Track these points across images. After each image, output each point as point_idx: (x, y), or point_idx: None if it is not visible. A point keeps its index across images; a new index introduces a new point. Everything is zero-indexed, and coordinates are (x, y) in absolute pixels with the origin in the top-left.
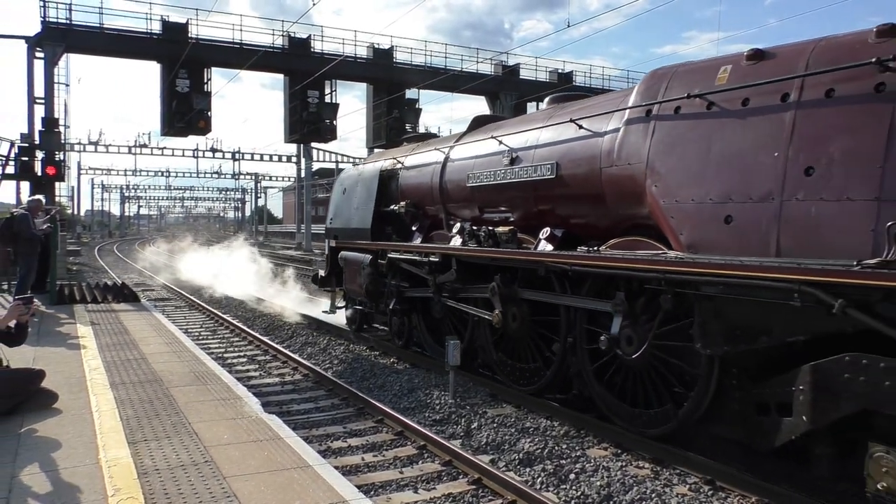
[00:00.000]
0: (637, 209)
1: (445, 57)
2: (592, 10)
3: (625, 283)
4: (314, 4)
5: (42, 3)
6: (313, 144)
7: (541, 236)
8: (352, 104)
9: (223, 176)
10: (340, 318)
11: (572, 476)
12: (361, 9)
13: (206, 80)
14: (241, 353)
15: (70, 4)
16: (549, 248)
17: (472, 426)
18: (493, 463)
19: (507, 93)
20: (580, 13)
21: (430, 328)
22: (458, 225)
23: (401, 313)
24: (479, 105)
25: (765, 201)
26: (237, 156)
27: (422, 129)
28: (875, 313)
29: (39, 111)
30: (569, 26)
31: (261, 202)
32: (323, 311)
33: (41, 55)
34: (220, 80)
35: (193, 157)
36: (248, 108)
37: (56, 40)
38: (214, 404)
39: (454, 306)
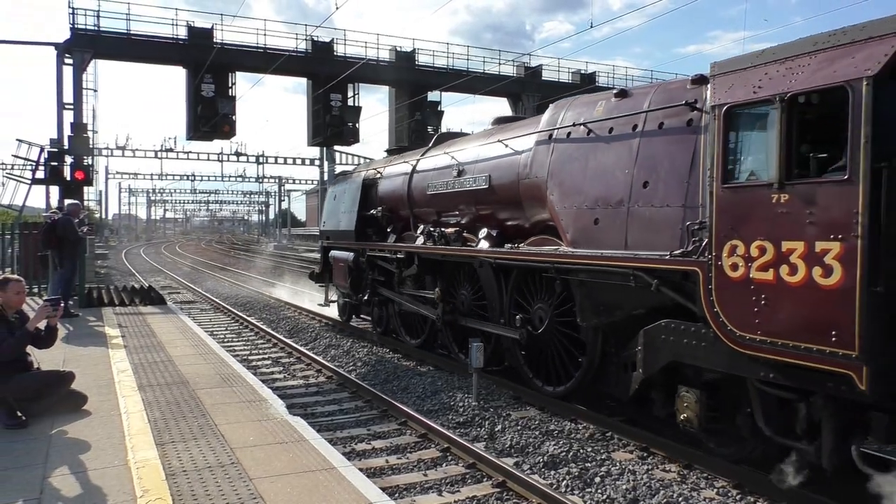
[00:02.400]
0: (543, 213)
1: (468, 59)
2: (615, 10)
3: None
4: (337, 8)
5: (71, 11)
6: (336, 147)
7: (480, 236)
8: (374, 107)
9: (247, 179)
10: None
11: (598, 479)
12: (382, 10)
13: (230, 85)
14: (266, 356)
15: (98, 11)
16: (486, 245)
17: (496, 429)
18: (518, 466)
19: (530, 94)
20: (603, 13)
21: (402, 317)
22: (421, 227)
23: (378, 304)
24: (501, 107)
25: (618, 207)
26: (261, 159)
27: (444, 132)
28: (679, 289)
29: (68, 116)
30: (592, 27)
31: (284, 205)
32: (318, 304)
33: (70, 61)
34: (244, 85)
35: (218, 160)
36: (272, 111)
37: (84, 47)
38: (240, 406)
39: (413, 294)
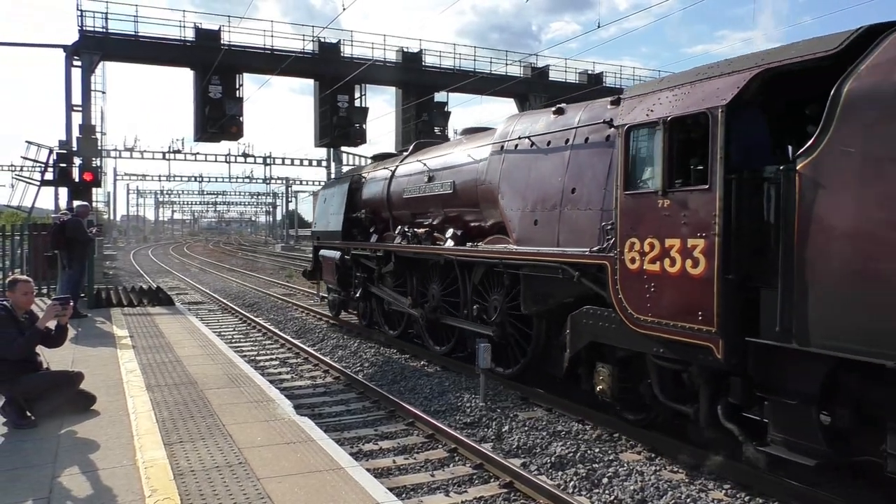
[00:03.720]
0: (496, 216)
1: (474, 59)
2: (622, 10)
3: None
4: (344, 9)
5: (79, 13)
6: (343, 148)
7: (447, 235)
8: (381, 108)
9: (255, 180)
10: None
11: (605, 480)
12: (388, 11)
13: (238, 86)
14: (273, 356)
15: (106, 14)
16: (452, 244)
17: (503, 429)
18: (525, 466)
19: (537, 94)
20: (610, 14)
21: (383, 311)
22: (398, 227)
23: (363, 299)
24: (508, 107)
25: (553, 210)
26: (268, 160)
27: (450, 132)
28: (596, 280)
29: (77, 118)
30: (599, 27)
31: (291, 206)
32: (312, 302)
33: (78, 63)
34: (251, 86)
35: (226, 162)
36: (279, 113)
37: (93, 49)
38: (248, 406)
39: (390, 292)
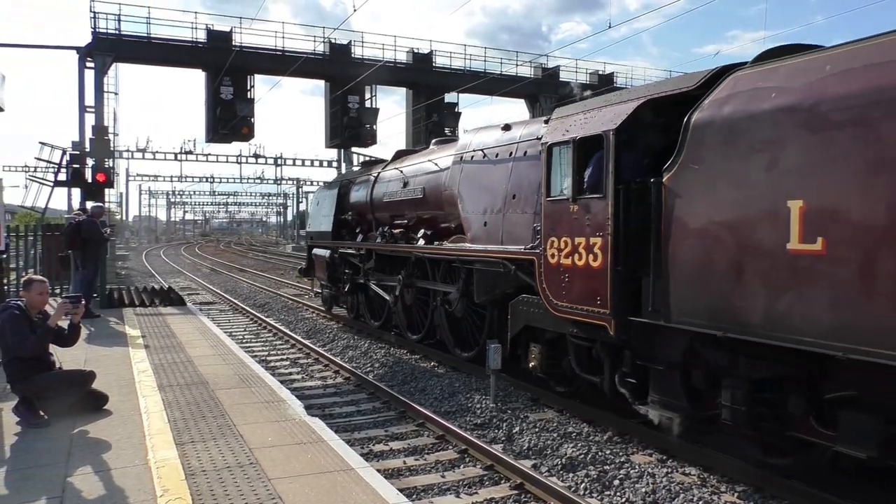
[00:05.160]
0: (457, 218)
1: (485, 60)
2: (632, 10)
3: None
4: (355, 10)
5: (92, 15)
6: (354, 149)
7: (419, 235)
8: (392, 109)
9: (265, 181)
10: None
11: (616, 482)
12: (399, 12)
13: (249, 87)
14: (284, 357)
15: (119, 16)
16: (423, 243)
17: (514, 430)
18: (536, 468)
19: (547, 95)
20: (620, 14)
21: (368, 305)
22: (379, 228)
23: (349, 293)
24: (519, 108)
25: (498, 214)
26: (279, 161)
27: (460, 132)
28: (529, 273)
29: (89, 119)
30: (610, 27)
31: (302, 207)
32: (308, 297)
33: (91, 65)
34: (262, 88)
35: (237, 162)
36: (289, 114)
37: (106, 51)
38: (259, 407)
39: (374, 288)
